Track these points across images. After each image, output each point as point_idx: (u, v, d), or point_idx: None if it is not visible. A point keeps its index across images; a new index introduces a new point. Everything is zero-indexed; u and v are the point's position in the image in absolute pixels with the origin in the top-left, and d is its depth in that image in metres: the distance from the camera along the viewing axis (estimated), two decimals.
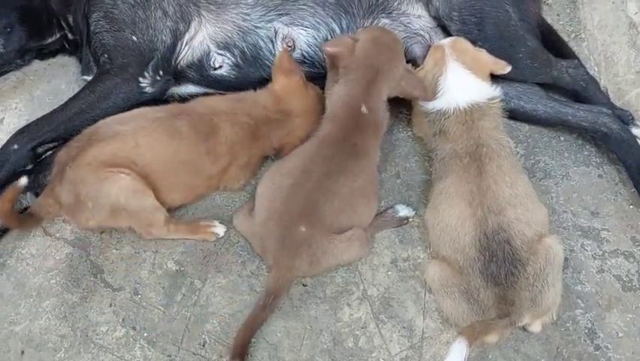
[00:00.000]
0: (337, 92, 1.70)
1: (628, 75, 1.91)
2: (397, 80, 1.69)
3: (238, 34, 1.89)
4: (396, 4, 1.92)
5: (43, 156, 1.84)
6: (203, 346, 1.57)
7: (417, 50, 1.92)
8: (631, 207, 1.76)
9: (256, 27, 1.89)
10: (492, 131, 1.63)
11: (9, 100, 2.11)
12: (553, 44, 1.99)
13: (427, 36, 1.93)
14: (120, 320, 1.62)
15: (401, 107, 1.92)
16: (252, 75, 1.91)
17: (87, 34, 1.90)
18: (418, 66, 1.84)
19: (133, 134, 1.62)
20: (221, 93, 1.90)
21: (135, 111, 1.74)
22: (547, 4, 2.22)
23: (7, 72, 2.10)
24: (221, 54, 1.90)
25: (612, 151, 1.81)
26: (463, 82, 1.68)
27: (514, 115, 1.87)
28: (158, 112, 1.70)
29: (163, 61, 1.86)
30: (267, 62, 1.90)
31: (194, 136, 1.65)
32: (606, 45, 2.01)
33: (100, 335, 1.60)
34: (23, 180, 1.64)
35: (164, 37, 1.85)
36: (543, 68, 1.86)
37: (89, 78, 1.92)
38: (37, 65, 2.16)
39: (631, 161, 1.76)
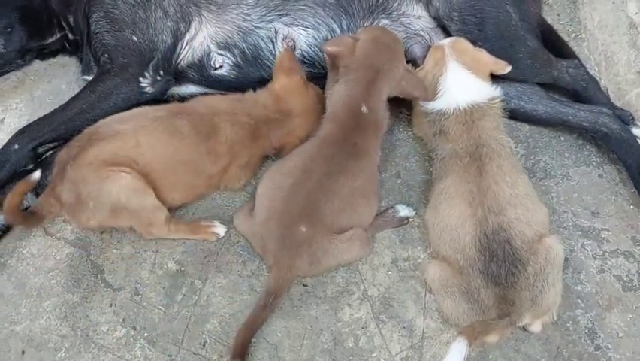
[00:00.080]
0: (337, 92, 1.70)
1: (628, 75, 1.91)
2: (397, 80, 1.69)
3: (238, 34, 1.89)
4: (396, 4, 1.92)
5: (44, 156, 1.84)
6: (204, 346, 1.57)
7: (417, 51, 1.92)
8: (631, 207, 1.76)
9: (256, 27, 1.89)
10: (492, 132, 1.63)
11: (9, 100, 2.12)
12: (554, 44, 1.99)
13: (427, 36, 1.93)
14: (121, 320, 1.62)
15: (401, 107, 1.92)
16: (252, 75, 1.92)
17: (87, 34, 1.90)
18: (419, 66, 1.85)
19: (133, 133, 1.62)
20: (221, 93, 1.90)
21: (135, 110, 1.74)
22: (548, 4, 2.22)
23: (7, 72, 2.10)
24: (221, 54, 1.90)
25: (612, 151, 1.81)
26: (463, 82, 1.68)
27: (514, 115, 1.87)
28: (158, 111, 1.71)
29: (163, 61, 1.86)
30: (267, 63, 1.91)
31: (194, 136, 1.66)
32: (606, 45, 2.01)
33: (100, 334, 1.60)
34: (36, 175, 1.64)
35: (164, 37, 1.85)
36: (543, 68, 1.86)
37: (90, 78, 1.93)
38: (37, 65, 2.16)
39: (631, 161, 1.76)
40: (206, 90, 1.95)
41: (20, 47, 1.99)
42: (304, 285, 1.65)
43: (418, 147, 1.91)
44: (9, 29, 1.93)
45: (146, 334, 1.60)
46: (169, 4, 1.86)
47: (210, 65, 1.91)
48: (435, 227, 1.58)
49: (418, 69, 1.81)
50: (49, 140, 1.80)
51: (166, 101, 1.93)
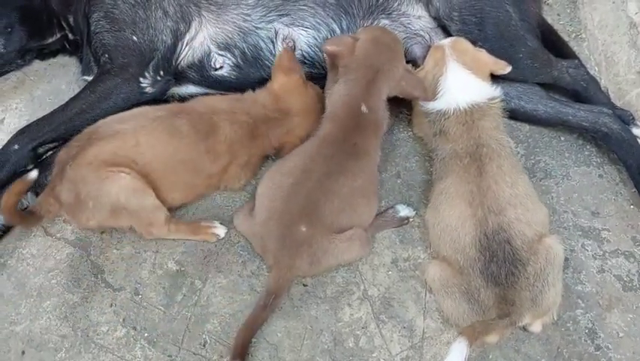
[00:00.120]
0: (337, 92, 1.70)
1: (628, 75, 1.91)
2: (397, 80, 1.69)
3: (239, 34, 1.89)
4: (396, 4, 1.92)
5: (44, 157, 1.84)
6: (204, 346, 1.57)
7: (417, 51, 1.92)
8: (631, 207, 1.76)
9: (257, 28, 1.89)
10: (492, 132, 1.63)
11: (9, 100, 2.12)
12: (554, 44, 1.99)
13: (427, 36, 1.93)
14: (121, 320, 1.62)
15: (401, 107, 1.92)
16: (252, 76, 1.91)
17: (87, 34, 1.90)
18: (419, 66, 1.85)
19: (133, 133, 1.62)
20: (221, 94, 1.90)
21: (135, 110, 1.74)
22: (548, 4, 2.22)
23: (7, 72, 2.10)
24: (221, 55, 1.90)
25: (613, 151, 1.81)
26: (463, 82, 1.68)
27: (514, 115, 1.87)
28: (158, 111, 1.71)
29: (163, 61, 1.86)
30: (267, 63, 1.90)
31: (193, 135, 1.66)
32: (607, 45, 2.01)
33: (100, 335, 1.60)
34: (33, 174, 1.64)
35: (164, 38, 1.85)
36: (543, 68, 1.86)
37: (90, 78, 1.93)
38: (37, 65, 2.16)
39: (631, 161, 1.76)
40: (207, 91, 1.95)
41: (20, 47, 1.99)
42: (304, 285, 1.65)
43: (418, 147, 1.91)
44: (9, 29, 1.93)
45: (146, 334, 1.60)
46: (169, 4, 1.86)
47: (210, 65, 1.91)
48: (435, 227, 1.58)
49: (418, 69, 1.81)
50: (49, 140, 1.80)
51: (166, 101, 1.93)
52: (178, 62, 1.90)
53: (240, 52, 1.90)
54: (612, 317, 1.58)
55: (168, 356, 1.56)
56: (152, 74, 1.84)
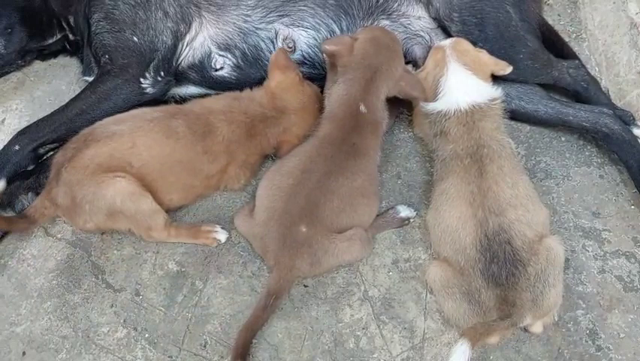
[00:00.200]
0: (336, 92, 1.70)
1: (629, 75, 1.91)
2: (396, 80, 1.70)
3: (239, 35, 1.89)
4: (396, 5, 1.92)
5: (45, 157, 1.84)
6: (205, 347, 1.57)
7: (417, 51, 1.92)
8: (632, 207, 1.76)
9: (257, 28, 1.89)
10: (493, 132, 1.63)
11: (10, 101, 2.11)
12: (554, 45, 1.98)
13: (427, 37, 1.93)
14: (121, 321, 1.62)
15: (402, 107, 1.92)
16: (252, 76, 1.91)
17: (88, 35, 1.90)
18: (419, 67, 1.85)
19: (130, 134, 1.62)
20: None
21: (132, 111, 1.74)
22: (548, 4, 2.22)
23: (7, 73, 2.11)
24: (222, 55, 1.90)
25: (613, 152, 1.81)
26: (463, 83, 1.68)
27: (515, 116, 1.87)
28: (155, 112, 1.70)
29: (164, 62, 1.86)
30: (267, 63, 1.90)
31: (190, 136, 1.65)
32: (607, 45, 2.01)
33: (101, 335, 1.60)
34: (1, 185, 1.68)
35: (164, 38, 1.85)
36: (544, 68, 1.86)
37: (90, 79, 1.93)
38: (37, 65, 2.17)
39: (632, 161, 1.76)
40: (207, 91, 1.95)
41: (21, 47, 1.99)
42: (305, 286, 1.65)
43: (419, 148, 1.91)
44: (9, 30, 1.94)
45: (146, 335, 1.60)
46: (169, 5, 1.86)
47: (211, 65, 1.91)
48: (436, 228, 1.58)
49: (418, 70, 1.81)
50: (49, 141, 1.80)
51: (167, 102, 1.93)
52: (178, 62, 1.90)
53: (241, 52, 1.90)
54: (613, 318, 1.57)
55: (169, 356, 1.56)
56: (152, 74, 1.84)
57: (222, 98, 1.79)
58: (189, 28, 1.89)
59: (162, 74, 1.86)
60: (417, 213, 1.75)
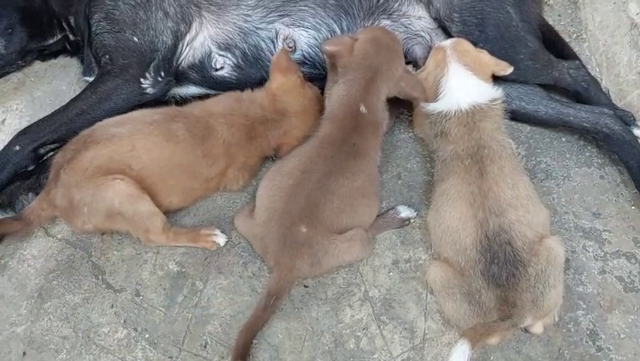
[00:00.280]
0: (336, 92, 1.70)
1: (629, 76, 1.91)
2: (396, 81, 1.69)
3: (239, 35, 1.89)
4: (396, 5, 1.92)
5: (45, 157, 1.84)
6: (205, 347, 1.57)
7: (418, 51, 1.92)
8: (633, 208, 1.76)
9: (257, 28, 1.89)
10: (493, 133, 1.63)
11: (10, 101, 2.11)
12: (555, 45, 1.98)
13: (427, 37, 1.93)
14: (121, 322, 1.62)
15: (402, 108, 1.92)
16: (253, 76, 1.91)
17: (88, 35, 1.90)
18: (419, 67, 1.84)
19: (129, 137, 1.61)
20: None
21: (132, 113, 1.74)
22: (549, 4, 2.21)
23: (8, 73, 2.11)
24: (222, 55, 1.90)
25: (614, 152, 1.81)
26: (464, 83, 1.68)
27: (515, 116, 1.87)
28: (155, 115, 1.69)
29: (164, 62, 1.86)
30: (268, 63, 1.90)
31: (190, 139, 1.65)
32: (607, 46, 2.01)
33: (101, 336, 1.60)
34: None
35: (165, 38, 1.85)
36: (544, 69, 1.86)
37: (91, 79, 1.93)
38: (38, 65, 2.17)
39: (633, 162, 1.76)
40: (208, 91, 1.95)
41: (21, 47, 1.99)
42: (305, 286, 1.65)
43: (419, 148, 1.91)
44: (10, 30, 1.94)
45: (147, 335, 1.60)
46: (169, 5, 1.86)
47: (211, 65, 1.91)
48: (436, 229, 1.57)
49: (419, 70, 1.81)
50: (50, 141, 1.80)
51: (167, 102, 1.93)
52: (179, 62, 1.90)
53: (241, 52, 1.90)
54: (613, 318, 1.57)
55: (169, 357, 1.56)
56: (152, 74, 1.84)
57: (223, 100, 1.78)
58: (189, 28, 1.89)
59: (162, 74, 1.86)
60: (417, 214, 1.75)
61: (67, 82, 2.13)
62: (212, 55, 1.90)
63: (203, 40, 1.90)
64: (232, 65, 1.91)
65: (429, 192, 1.72)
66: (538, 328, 1.52)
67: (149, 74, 1.83)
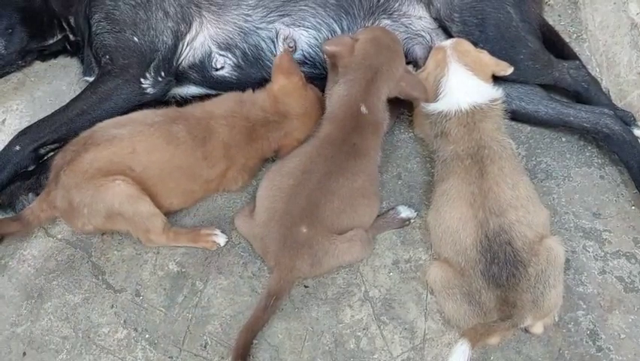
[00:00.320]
0: (337, 92, 1.70)
1: (630, 76, 1.91)
2: (397, 81, 1.69)
3: (239, 35, 1.89)
4: (397, 5, 1.92)
5: (46, 157, 1.84)
6: (205, 347, 1.57)
7: (418, 51, 1.92)
8: (633, 208, 1.76)
9: (257, 28, 1.89)
10: (493, 133, 1.63)
11: (10, 101, 2.11)
12: (555, 45, 1.98)
13: (428, 37, 1.93)
14: (122, 322, 1.62)
15: (403, 108, 1.92)
16: (253, 76, 1.91)
17: (88, 36, 1.90)
18: (420, 67, 1.84)
19: (130, 138, 1.61)
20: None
21: (133, 115, 1.73)
22: (549, 4, 2.22)
23: (8, 73, 2.11)
24: (222, 55, 1.90)
25: (614, 152, 1.81)
26: (464, 83, 1.68)
27: (515, 116, 1.87)
28: (155, 116, 1.68)
29: (164, 62, 1.86)
30: (268, 63, 1.90)
31: (190, 141, 1.64)
32: (608, 46, 2.01)
33: (101, 336, 1.60)
34: None
35: (165, 38, 1.85)
36: (544, 69, 1.86)
37: (91, 79, 1.93)
38: (38, 66, 2.17)
39: (633, 162, 1.76)
40: (208, 91, 1.95)
41: (21, 48, 1.99)
42: (305, 286, 1.65)
43: (420, 148, 1.91)
44: (10, 30, 1.94)
45: (147, 335, 1.60)
46: (170, 4, 1.86)
47: (211, 65, 1.91)
48: (436, 229, 1.57)
49: (419, 70, 1.81)
50: (50, 141, 1.80)
51: (167, 102, 1.93)
52: (179, 62, 1.90)
53: (241, 52, 1.90)
54: (613, 319, 1.57)
55: (169, 357, 1.56)
56: (153, 74, 1.84)
57: (224, 101, 1.77)
58: (190, 28, 1.89)
59: (163, 74, 1.86)
60: (417, 214, 1.75)
61: (67, 82, 2.14)
62: (213, 55, 1.90)
63: (203, 40, 1.90)
64: (232, 64, 1.91)
65: (429, 193, 1.72)
66: (538, 328, 1.52)
67: (150, 74, 1.83)
